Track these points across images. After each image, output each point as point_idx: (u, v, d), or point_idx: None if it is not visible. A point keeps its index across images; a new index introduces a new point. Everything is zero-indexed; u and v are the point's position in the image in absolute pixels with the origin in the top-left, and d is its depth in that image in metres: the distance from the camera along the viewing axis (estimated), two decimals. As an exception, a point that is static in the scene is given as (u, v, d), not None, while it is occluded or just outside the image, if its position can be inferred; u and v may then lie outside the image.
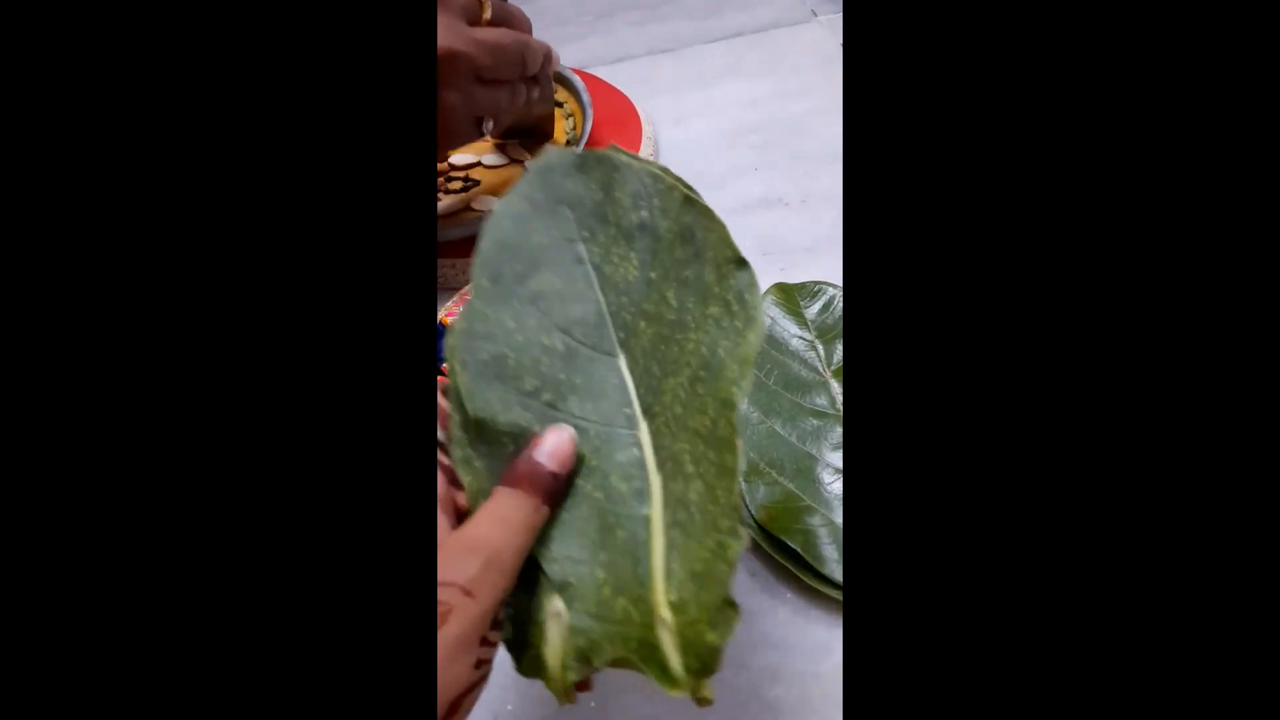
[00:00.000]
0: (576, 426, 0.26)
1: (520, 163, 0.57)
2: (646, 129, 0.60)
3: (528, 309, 0.27)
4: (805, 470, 0.38)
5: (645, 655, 0.24)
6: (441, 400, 0.27)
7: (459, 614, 0.22)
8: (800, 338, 0.44)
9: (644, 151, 0.58)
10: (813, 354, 0.44)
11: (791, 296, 0.46)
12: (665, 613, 0.24)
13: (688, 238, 0.27)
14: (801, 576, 0.36)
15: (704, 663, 0.23)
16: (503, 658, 0.26)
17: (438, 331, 0.44)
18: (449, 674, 0.22)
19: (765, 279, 0.48)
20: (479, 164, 0.58)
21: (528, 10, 0.51)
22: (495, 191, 0.55)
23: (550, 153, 0.30)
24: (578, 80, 0.61)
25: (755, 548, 0.38)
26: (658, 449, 0.26)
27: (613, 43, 0.72)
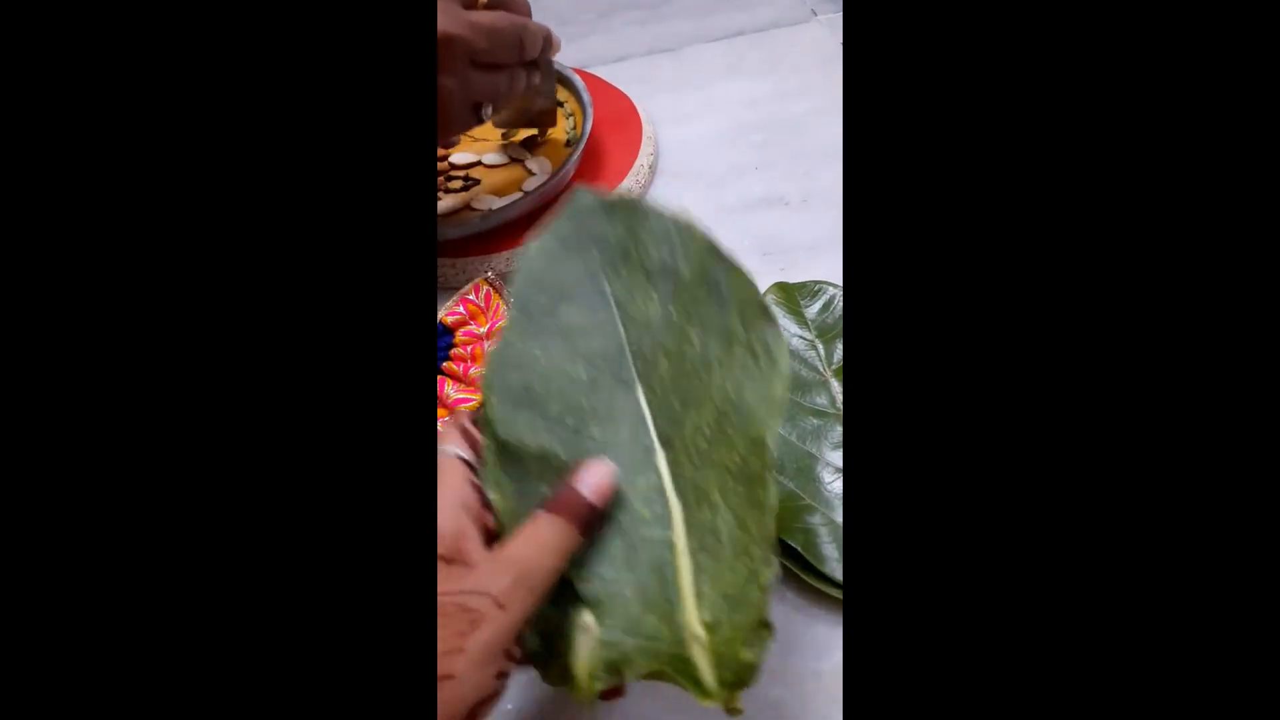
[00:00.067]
0: (598, 452, 0.28)
1: (520, 162, 0.57)
2: (647, 128, 0.60)
3: (554, 340, 0.29)
4: (806, 469, 0.38)
5: (678, 668, 0.25)
6: (472, 426, 0.29)
7: (490, 623, 0.23)
8: (800, 337, 0.44)
9: (644, 151, 0.58)
10: (813, 353, 0.44)
11: (792, 296, 0.46)
12: (699, 630, 0.25)
13: (712, 284, 0.29)
14: (802, 576, 0.36)
15: (739, 677, 0.25)
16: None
17: (438, 331, 0.44)
18: (473, 679, 0.23)
19: (766, 278, 0.48)
20: (479, 163, 0.58)
21: (528, 9, 0.51)
22: (496, 191, 0.55)
23: (581, 195, 0.32)
24: (578, 79, 0.61)
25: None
26: (676, 477, 0.28)
27: (613, 42, 0.72)
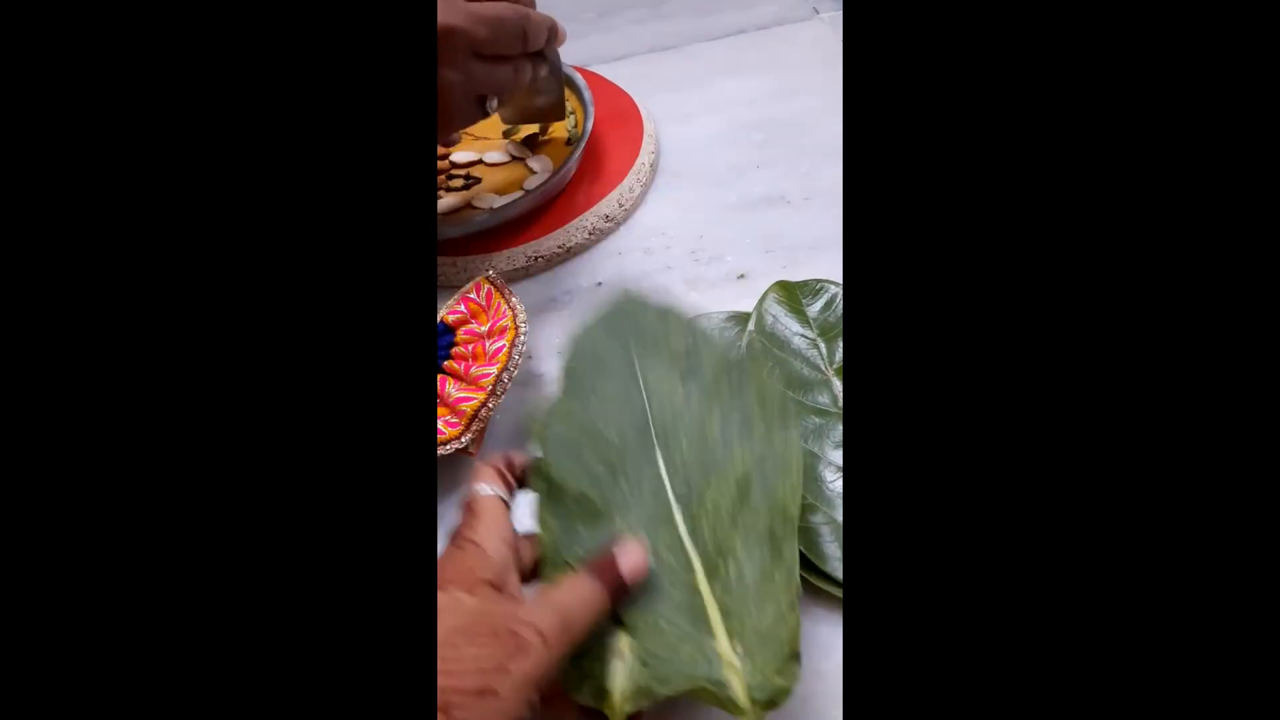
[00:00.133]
0: (624, 501, 0.33)
1: (522, 161, 0.57)
2: (648, 126, 0.60)
3: (594, 406, 0.35)
4: (807, 468, 0.38)
5: (713, 690, 0.28)
6: (505, 467, 0.33)
7: (535, 654, 0.25)
8: (802, 336, 0.44)
9: (646, 149, 0.58)
10: (815, 352, 0.44)
11: (793, 294, 0.46)
12: (734, 659, 0.28)
13: (734, 373, 0.35)
14: (804, 575, 0.36)
15: (772, 699, 0.28)
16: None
17: (438, 330, 0.44)
18: (513, 703, 0.24)
19: (767, 277, 0.48)
20: (480, 162, 0.58)
21: (529, 8, 0.51)
22: (497, 189, 0.55)
23: (629, 294, 0.39)
24: (579, 78, 0.60)
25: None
26: (694, 532, 0.32)
27: (615, 40, 0.72)
